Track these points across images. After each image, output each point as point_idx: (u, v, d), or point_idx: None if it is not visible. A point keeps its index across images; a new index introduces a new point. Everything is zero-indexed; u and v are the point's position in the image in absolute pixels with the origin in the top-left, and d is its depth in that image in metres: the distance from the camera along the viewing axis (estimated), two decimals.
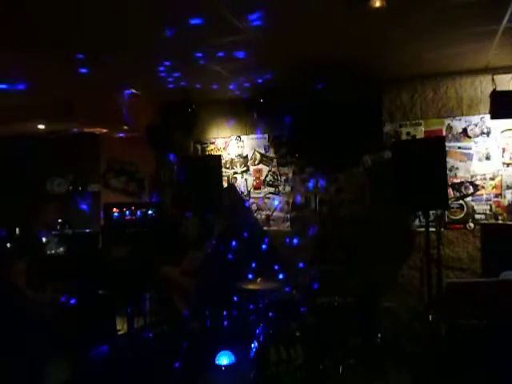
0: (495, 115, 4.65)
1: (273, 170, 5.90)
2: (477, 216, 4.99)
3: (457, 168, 5.06)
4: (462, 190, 5.04)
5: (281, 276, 4.25)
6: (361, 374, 3.77)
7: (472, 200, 5.01)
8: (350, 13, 3.26)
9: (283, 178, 5.84)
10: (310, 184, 5.62)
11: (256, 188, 5.98)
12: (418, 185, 4.33)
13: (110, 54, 4.03)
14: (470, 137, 5.04)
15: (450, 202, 4.88)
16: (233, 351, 3.81)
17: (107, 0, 2.98)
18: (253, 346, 3.69)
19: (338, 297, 4.08)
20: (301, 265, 4.83)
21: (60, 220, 6.10)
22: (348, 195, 5.48)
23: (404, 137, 5.29)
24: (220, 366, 3.74)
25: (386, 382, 3.76)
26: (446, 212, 5.04)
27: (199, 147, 6.30)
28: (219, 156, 5.90)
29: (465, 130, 5.06)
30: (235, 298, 4.36)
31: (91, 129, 5.97)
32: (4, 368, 3.17)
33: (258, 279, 4.09)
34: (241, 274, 4.42)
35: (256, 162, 6.00)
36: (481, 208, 4.98)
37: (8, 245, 4.29)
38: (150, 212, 5.59)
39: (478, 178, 4.99)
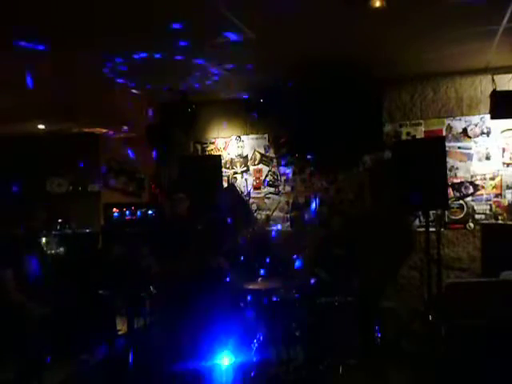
0: (495, 115, 4.65)
1: (273, 170, 5.90)
2: (477, 216, 4.99)
3: (457, 168, 5.06)
4: (462, 189, 5.04)
5: (281, 275, 4.25)
6: (361, 374, 3.77)
7: (472, 200, 5.01)
8: (349, 13, 3.26)
9: (283, 178, 5.85)
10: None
11: (256, 188, 5.98)
12: (418, 185, 4.33)
13: (110, 53, 4.04)
14: (470, 137, 5.04)
15: (450, 201, 4.88)
16: (233, 351, 3.81)
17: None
18: (253, 346, 3.69)
19: (338, 297, 4.08)
20: (301, 265, 4.83)
21: (60, 220, 6.11)
22: (348, 195, 5.48)
23: (404, 137, 5.29)
24: (220, 366, 3.73)
25: (386, 381, 3.76)
26: (446, 212, 5.04)
27: (199, 147, 6.30)
28: (219, 156, 5.91)
29: (465, 130, 5.06)
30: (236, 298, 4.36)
31: (91, 129, 5.97)
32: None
33: (259, 279, 4.09)
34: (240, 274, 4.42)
35: (256, 162, 6.00)
36: (481, 208, 4.98)
37: None
38: (150, 212, 5.60)
39: (478, 177, 4.99)
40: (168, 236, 4.04)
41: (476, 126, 5.01)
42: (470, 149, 5.04)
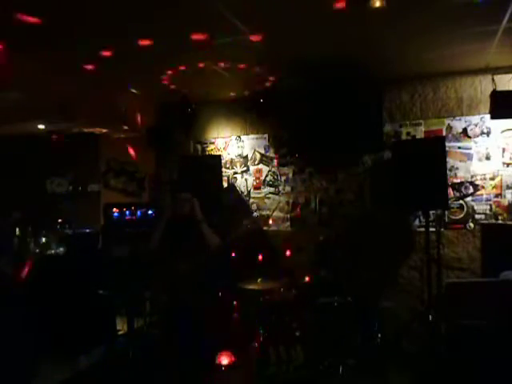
0: (495, 115, 4.65)
1: (273, 170, 5.90)
2: (477, 216, 4.98)
3: (457, 168, 5.06)
4: (462, 190, 5.04)
5: (281, 275, 4.25)
6: (361, 374, 3.77)
7: (472, 200, 5.01)
8: (349, 13, 3.26)
9: (283, 178, 5.85)
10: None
11: (256, 188, 5.98)
12: (418, 185, 4.33)
13: (111, 53, 4.03)
14: (469, 137, 5.03)
15: (450, 202, 4.88)
16: (233, 351, 3.81)
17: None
18: (253, 346, 3.69)
19: (338, 297, 4.08)
20: (301, 265, 4.83)
21: (60, 220, 6.11)
22: (348, 195, 5.48)
23: (404, 137, 5.29)
24: (220, 366, 3.74)
25: (386, 381, 3.76)
26: (446, 212, 5.04)
27: (199, 147, 6.30)
28: (219, 156, 5.91)
29: (465, 130, 5.05)
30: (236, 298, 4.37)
31: (91, 129, 5.96)
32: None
33: (258, 279, 4.10)
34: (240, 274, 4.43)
35: (256, 162, 6.00)
36: (481, 208, 4.97)
37: None
38: (150, 212, 5.59)
39: (478, 178, 4.99)
40: (170, 235, 4.01)
41: (476, 126, 5.01)
42: (470, 149, 5.03)
